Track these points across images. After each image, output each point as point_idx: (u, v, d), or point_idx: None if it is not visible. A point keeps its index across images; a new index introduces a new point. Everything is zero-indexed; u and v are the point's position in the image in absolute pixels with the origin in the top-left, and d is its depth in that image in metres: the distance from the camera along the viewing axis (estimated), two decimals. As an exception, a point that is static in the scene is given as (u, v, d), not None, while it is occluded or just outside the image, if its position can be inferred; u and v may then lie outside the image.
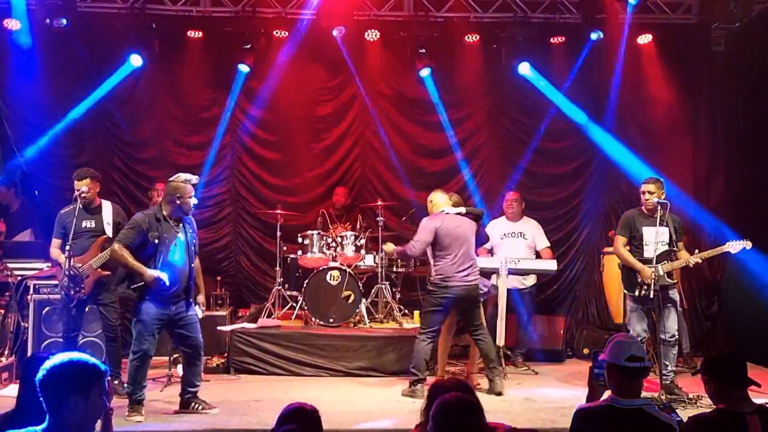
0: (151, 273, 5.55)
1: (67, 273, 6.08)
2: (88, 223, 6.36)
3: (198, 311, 5.90)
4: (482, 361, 6.81)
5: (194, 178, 5.88)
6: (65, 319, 6.33)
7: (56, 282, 6.66)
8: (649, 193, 6.52)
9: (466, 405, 2.83)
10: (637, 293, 6.50)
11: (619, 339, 3.52)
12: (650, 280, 6.29)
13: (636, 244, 6.64)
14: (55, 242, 6.45)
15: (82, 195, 6.31)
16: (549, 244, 8.26)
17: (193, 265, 5.85)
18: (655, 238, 6.42)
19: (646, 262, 6.47)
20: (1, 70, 8.61)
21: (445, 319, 6.78)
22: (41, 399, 2.80)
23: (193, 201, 5.82)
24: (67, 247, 6.07)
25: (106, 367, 2.93)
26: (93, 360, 2.96)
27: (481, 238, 8.43)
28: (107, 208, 6.55)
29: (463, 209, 6.85)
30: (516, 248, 8.02)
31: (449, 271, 6.61)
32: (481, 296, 6.89)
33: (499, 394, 6.52)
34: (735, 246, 6.51)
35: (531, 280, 8.18)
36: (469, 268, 6.68)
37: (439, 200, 6.85)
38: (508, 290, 7.70)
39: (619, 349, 3.39)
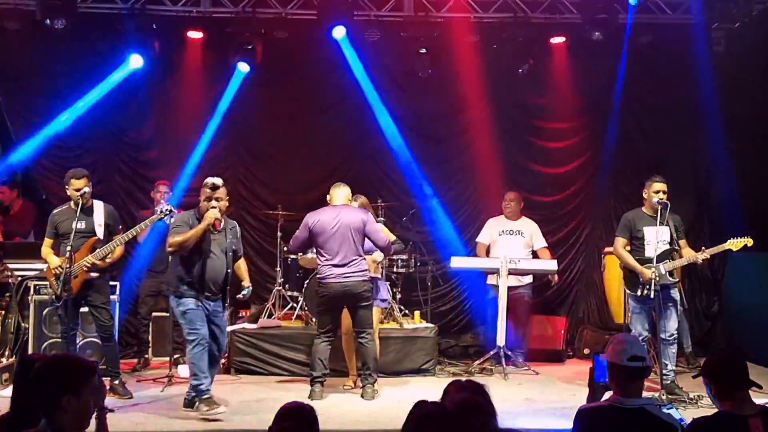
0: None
1: (57, 272, 6.06)
2: (80, 224, 6.25)
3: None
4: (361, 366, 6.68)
5: (211, 181, 5.97)
6: (60, 319, 6.32)
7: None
8: (663, 192, 6.54)
9: (472, 406, 2.85)
10: (639, 293, 6.51)
11: (620, 339, 3.52)
12: (649, 281, 6.30)
13: (637, 244, 6.66)
14: (47, 242, 6.38)
15: (84, 194, 6.26)
16: (546, 245, 8.28)
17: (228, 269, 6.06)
18: (656, 237, 6.44)
19: (648, 261, 6.48)
20: (3, 71, 8.60)
21: (334, 317, 6.65)
22: (35, 401, 2.79)
23: (213, 204, 5.89)
24: (68, 248, 6.02)
25: (96, 364, 2.94)
26: (80, 357, 2.96)
27: (461, 239, 8.46)
28: (99, 209, 6.47)
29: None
30: (513, 246, 8.04)
31: (325, 269, 6.53)
32: (366, 298, 6.56)
33: (371, 398, 6.40)
34: (736, 243, 6.53)
35: (528, 278, 8.18)
36: (346, 267, 6.47)
37: (333, 194, 6.77)
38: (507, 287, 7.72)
39: (620, 349, 3.39)
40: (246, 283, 6.34)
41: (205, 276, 5.88)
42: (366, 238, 6.61)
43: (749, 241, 6.52)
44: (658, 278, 6.26)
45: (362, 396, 6.46)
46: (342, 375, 7.15)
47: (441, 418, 2.87)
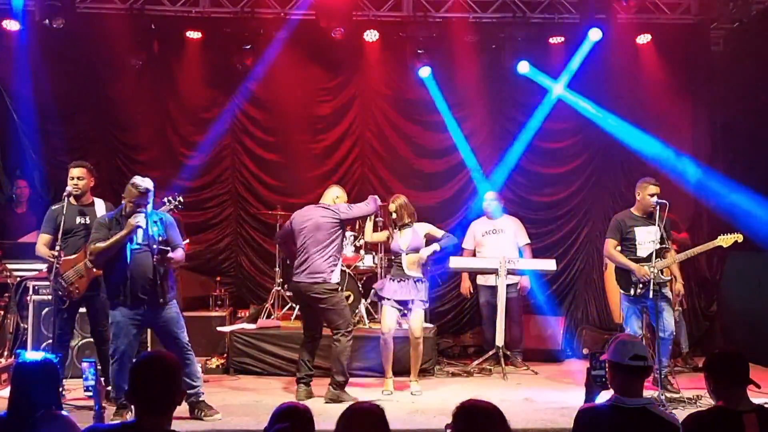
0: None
1: (55, 272, 5.82)
2: (82, 219, 6.10)
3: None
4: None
5: (143, 185, 5.63)
6: (55, 320, 6.00)
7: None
8: (658, 195, 6.57)
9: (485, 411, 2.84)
10: (632, 292, 6.53)
11: (622, 338, 3.53)
12: (647, 278, 6.34)
13: (628, 245, 6.68)
14: (44, 238, 6.04)
15: (75, 183, 6.06)
16: (529, 241, 8.25)
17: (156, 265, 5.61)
18: (647, 237, 6.53)
19: (640, 261, 6.52)
20: (4, 74, 8.60)
21: (307, 315, 6.69)
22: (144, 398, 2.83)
23: (140, 210, 5.57)
24: (57, 246, 5.84)
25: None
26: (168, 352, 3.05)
27: (462, 239, 8.45)
28: (100, 205, 6.29)
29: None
30: (497, 244, 8.03)
31: (294, 266, 6.60)
32: (322, 300, 6.43)
33: (328, 400, 6.31)
34: (726, 239, 6.53)
35: (515, 278, 8.10)
36: (305, 267, 6.45)
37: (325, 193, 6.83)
38: (494, 287, 7.70)
39: (623, 348, 3.40)
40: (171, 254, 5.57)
41: (131, 276, 5.55)
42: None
43: (739, 237, 6.50)
44: (654, 277, 6.30)
45: (326, 395, 6.40)
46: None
47: (375, 416, 2.85)
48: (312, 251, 6.46)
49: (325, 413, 5.73)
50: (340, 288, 7.63)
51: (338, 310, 6.52)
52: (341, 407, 6.13)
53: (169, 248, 5.54)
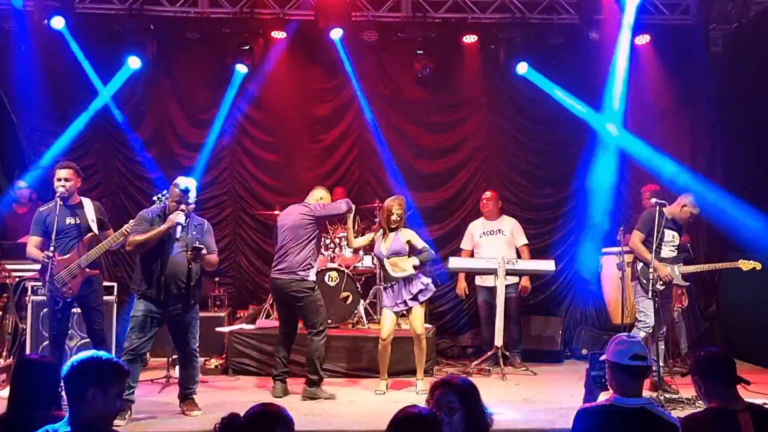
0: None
1: (49, 273, 5.80)
2: (73, 220, 6.06)
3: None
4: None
5: (184, 184, 5.83)
6: (51, 320, 6.05)
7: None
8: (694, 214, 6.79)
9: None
10: (650, 287, 6.55)
11: (622, 338, 3.52)
12: (668, 278, 6.50)
13: (653, 242, 6.68)
14: (35, 240, 6.01)
15: (62, 184, 5.99)
16: (527, 242, 8.24)
17: (190, 266, 5.83)
18: (670, 241, 6.67)
19: (662, 261, 6.61)
20: (3, 74, 8.59)
21: (282, 312, 6.76)
22: (64, 393, 2.87)
23: (182, 208, 5.76)
24: (51, 247, 5.80)
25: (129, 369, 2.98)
26: (117, 359, 3.02)
27: (460, 240, 8.45)
28: (89, 204, 6.24)
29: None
30: (495, 246, 8.03)
31: (273, 262, 6.73)
32: (299, 298, 6.51)
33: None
34: (746, 264, 6.71)
35: (513, 278, 8.07)
36: (280, 263, 6.58)
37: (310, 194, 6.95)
38: (493, 288, 7.70)
39: (622, 348, 3.40)
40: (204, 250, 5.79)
41: (165, 272, 5.72)
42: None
43: (758, 265, 6.67)
44: (672, 279, 6.55)
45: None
46: (339, 376, 7.19)
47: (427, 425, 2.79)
48: (291, 248, 6.57)
49: (326, 413, 5.76)
50: (343, 288, 7.67)
51: (314, 309, 6.57)
52: (339, 407, 6.18)
53: (203, 247, 5.74)
